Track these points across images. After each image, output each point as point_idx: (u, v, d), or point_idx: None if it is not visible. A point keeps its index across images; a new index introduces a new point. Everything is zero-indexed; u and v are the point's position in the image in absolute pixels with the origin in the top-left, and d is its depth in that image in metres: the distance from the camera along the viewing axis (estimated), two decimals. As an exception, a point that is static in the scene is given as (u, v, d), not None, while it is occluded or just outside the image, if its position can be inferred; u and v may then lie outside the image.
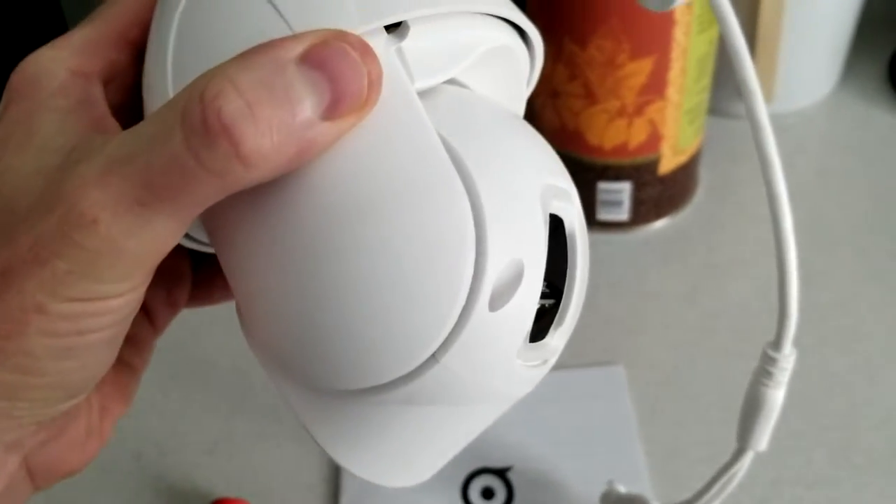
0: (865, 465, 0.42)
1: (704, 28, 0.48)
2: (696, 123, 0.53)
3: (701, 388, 0.47)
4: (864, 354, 0.47)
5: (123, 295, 0.20)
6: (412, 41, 0.20)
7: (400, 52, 0.20)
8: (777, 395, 0.31)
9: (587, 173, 0.53)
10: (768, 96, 0.60)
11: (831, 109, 0.63)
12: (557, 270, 0.21)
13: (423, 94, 0.20)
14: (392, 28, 0.20)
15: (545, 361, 0.22)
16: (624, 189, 0.53)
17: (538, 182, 0.20)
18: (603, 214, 0.55)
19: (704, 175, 0.58)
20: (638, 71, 0.48)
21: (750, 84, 0.26)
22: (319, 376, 0.20)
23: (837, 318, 0.49)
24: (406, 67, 0.20)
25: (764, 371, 0.30)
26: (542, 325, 0.21)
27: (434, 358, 0.19)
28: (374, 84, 0.19)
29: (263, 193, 0.19)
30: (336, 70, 0.18)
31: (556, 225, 0.21)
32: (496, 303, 0.19)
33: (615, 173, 0.53)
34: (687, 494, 0.35)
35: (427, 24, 0.20)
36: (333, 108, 0.18)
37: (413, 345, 0.19)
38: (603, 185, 0.53)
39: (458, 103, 0.21)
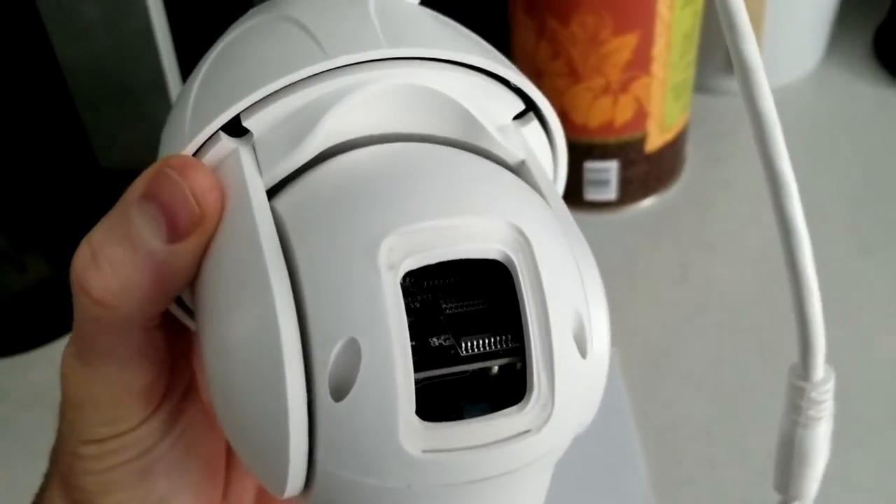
0: (858, 436, 0.42)
1: (689, 1, 0.47)
2: (682, 100, 0.52)
3: (694, 367, 0.46)
4: (859, 330, 0.47)
5: (135, 429, 0.22)
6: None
7: (253, 148, 0.20)
8: (816, 435, 0.24)
9: (573, 153, 0.52)
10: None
11: (817, 84, 0.62)
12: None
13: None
14: (238, 129, 0.20)
15: (519, 434, 0.19)
16: (611, 168, 0.53)
17: (378, 245, 0.18)
18: (590, 194, 0.54)
19: (691, 152, 0.58)
20: (622, 47, 0.47)
21: (748, 57, 0.22)
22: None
23: (831, 295, 0.49)
24: (255, 165, 0.20)
25: (794, 406, 0.24)
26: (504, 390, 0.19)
27: (313, 465, 0.19)
28: (205, 195, 0.20)
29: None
30: (163, 195, 0.20)
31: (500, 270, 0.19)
32: (339, 393, 0.18)
33: (601, 152, 0.52)
34: (681, 473, 0.34)
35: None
36: (174, 231, 0.20)
37: (279, 459, 0.19)
38: (589, 165, 0.53)
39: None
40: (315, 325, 0.18)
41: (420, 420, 0.18)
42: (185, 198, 0.20)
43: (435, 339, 0.19)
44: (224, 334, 0.19)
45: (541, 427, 0.19)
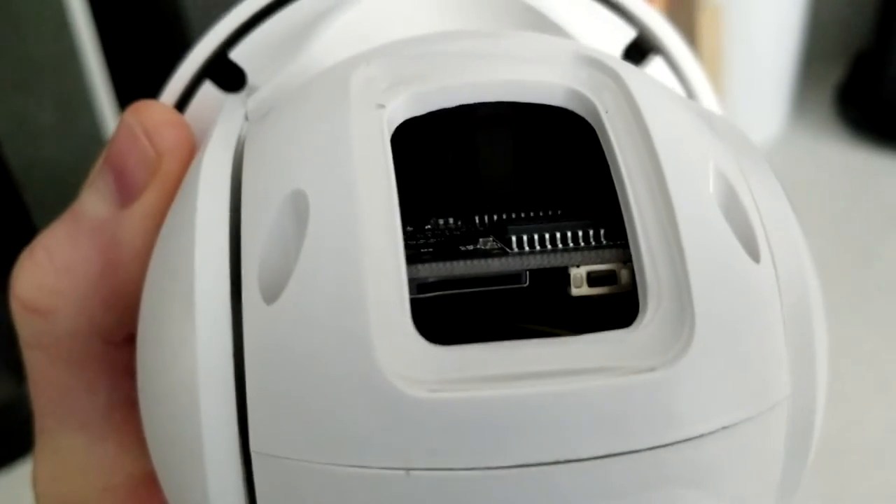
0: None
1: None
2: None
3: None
4: (840, 395, 0.46)
5: None
6: None
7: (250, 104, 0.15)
8: None
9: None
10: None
11: (783, 147, 0.62)
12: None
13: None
14: (234, 80, 0.16)
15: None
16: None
17: (347, 76, 0.13)
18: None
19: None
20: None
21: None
22: None
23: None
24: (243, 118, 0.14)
25: None
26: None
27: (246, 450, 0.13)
28: (160, 131, 0.15)
29: None
30: (112, 147, 0.15)
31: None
32: (275, 286, 0.11)
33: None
34: None
35: None
36: (123, 187, 0.15)
37: None
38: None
39: None
40: (251, 183, 0.12)
41: (423, 339, 0.10)
42: (135, 139, 0.15)
43: (469, 246, 0.12)
44: (145, 361, 0.13)
45: (670, 364, 0.10)
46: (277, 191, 0.11)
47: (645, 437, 0.10)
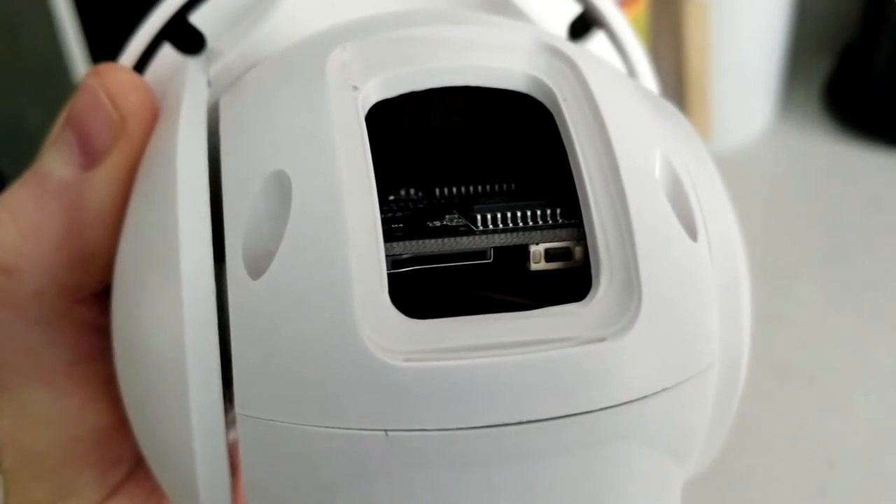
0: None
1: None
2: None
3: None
4: (830, 388, 0.46)
5: None
6: None
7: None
8: None
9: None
10: (705, 135, 0.59)
11: (771, 141, 0.62)
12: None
13: None
14: (193, 43, 0.16)
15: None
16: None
17: (323, 58, 0.13)
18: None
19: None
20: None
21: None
22: None
23: (799, 355, 0.48)
24: (205, 80, 0.15)
25: None
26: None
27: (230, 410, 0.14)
28: (124, 94, 0.15)
29: None
30: (75, 109, 0.15)
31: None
32: (259, 263, 0.12)
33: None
34: None
35: None
36: (87, 150, 0.15)
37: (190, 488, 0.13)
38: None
39: None
40: (232, 160, 0.13)
41: (399, 313, 0.11)
42: (98, 102, 0.15)
43: (436, 222, 0.13)
44: (125, 322, 0.14)
45: (620, 334, 0.11)
46: (259, 172, 0.12)
47: (597, 399, 0.11)
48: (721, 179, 0.14)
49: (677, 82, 0.56)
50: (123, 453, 0.17)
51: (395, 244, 0.12)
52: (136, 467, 0.17)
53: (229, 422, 0.13)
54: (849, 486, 0.42)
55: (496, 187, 0.14)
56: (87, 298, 0.16)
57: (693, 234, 0.13)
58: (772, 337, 0.48)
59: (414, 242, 0.12)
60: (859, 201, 0.57)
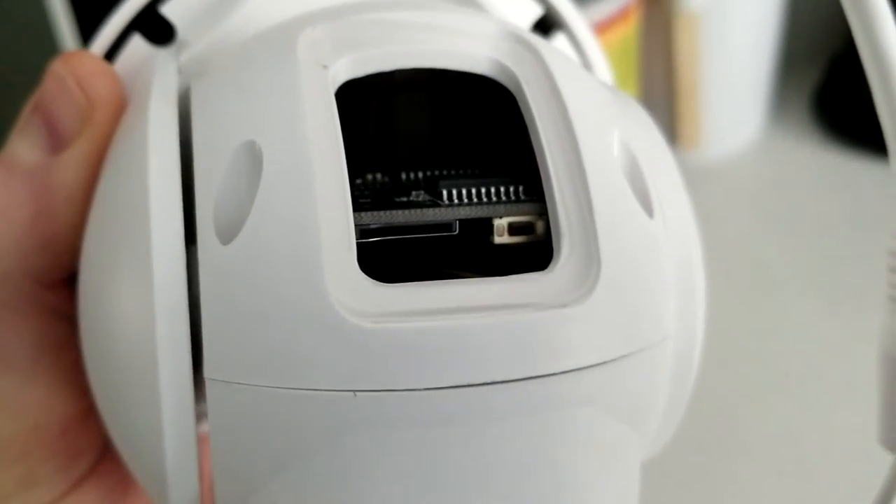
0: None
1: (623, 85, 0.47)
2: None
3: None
4: (819, 398, 0.46)
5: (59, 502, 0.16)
6: None
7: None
8: None
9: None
10: (695, 144, 0.59)
11: (761, 150, 0.62)
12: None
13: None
14: (164, 34, 0.16)
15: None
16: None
17: (294, 38, 0.13)
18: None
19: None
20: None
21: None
22: None
23: (790, 364, 0.48)
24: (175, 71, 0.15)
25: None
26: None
27: (200, 380, 0.14)
28: (92, 80, 0.15)
29: None
30: (43, 95, 0.15)
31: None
32: (230, 229, 0.12)
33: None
34: None
35: None
36: (55, 134, 0.15)
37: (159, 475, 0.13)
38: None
39: None
40: (203, 131, 0.13)
41: (367, 277, 0.12)
42: (66, 87, 0.15)
43: (403, 198, 0.14)
44: (93, 304, 0.14)
45: (580, 301, 0.12)
46: (230, 141, 0.12)
47: (559, 362, 0.12)
48: (677, 167, 0.15)
49: (668, 93, 0.56)
50: (88, 444, 0.17)
51: (363, 214, 0.13)
52: (100, 459, 0.17)
53: (199, 414, 0.13)
54: (831, 493, 0.42)
55: (461, 171, 0.15)
56: (54, 284, 0.16)
57: (649, 211, 0.13)
58: (759, 344, 0.48)
59: (382, 213, 0.13)
60: (849, 210, 0.57)
